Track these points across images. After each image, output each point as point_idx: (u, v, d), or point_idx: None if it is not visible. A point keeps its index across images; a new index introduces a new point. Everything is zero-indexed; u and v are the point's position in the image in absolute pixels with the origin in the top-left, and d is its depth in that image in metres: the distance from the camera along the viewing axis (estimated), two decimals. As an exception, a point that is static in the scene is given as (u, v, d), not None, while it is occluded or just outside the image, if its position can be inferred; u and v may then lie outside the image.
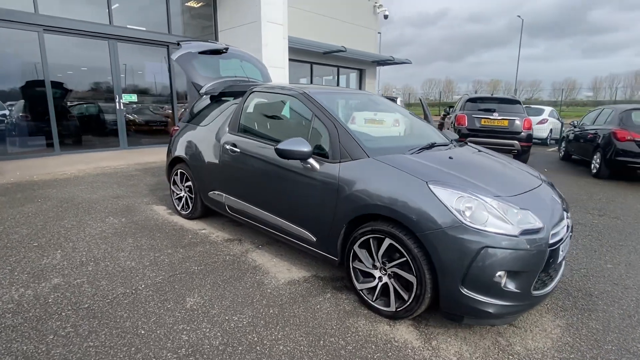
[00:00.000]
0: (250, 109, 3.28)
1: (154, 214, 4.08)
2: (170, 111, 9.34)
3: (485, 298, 1.95)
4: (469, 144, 3.14)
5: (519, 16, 36.47)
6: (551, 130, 13.23)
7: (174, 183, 4.06)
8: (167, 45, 8.89)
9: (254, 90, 3.27)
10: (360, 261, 2.37)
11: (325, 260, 2.63)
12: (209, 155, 3.46)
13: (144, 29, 8.53)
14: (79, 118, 8.02)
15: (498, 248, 1.90)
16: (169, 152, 4.12)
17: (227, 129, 3.31)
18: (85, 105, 8.16)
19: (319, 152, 2.56)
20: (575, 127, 9.05)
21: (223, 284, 2.62)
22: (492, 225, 1.94)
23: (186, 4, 9.35)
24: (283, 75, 9.16)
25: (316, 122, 2.66)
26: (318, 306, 2.39)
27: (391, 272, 2.23)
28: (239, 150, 3.11)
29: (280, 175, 2.76)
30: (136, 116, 8.84)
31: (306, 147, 2.45)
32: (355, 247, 2.35)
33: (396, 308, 2.21)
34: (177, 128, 4.11)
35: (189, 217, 3.92)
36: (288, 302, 2.42)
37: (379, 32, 15.38)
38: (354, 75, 14.96)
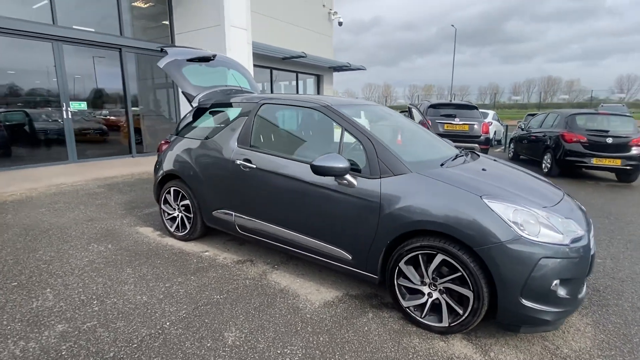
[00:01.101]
0: (262, 122, 3.10)
1: (143, 238, 3.69)
2: (124, 119, 8.59)
3: (543, 307, 2.01)
4: (480, 154, 3.25)
5: (452, 25, 39.19)
6: (495, 132, 14.37)
7: (165, 202, 3.71)
8: (120, 48, 8.18)
9: (265, 102, 3.10)
10: (406, 278, 2.34)
11: (362, 278, 2.56)
12: (214, 172, 3.21)
13: (93, 30, 7.77)
14: (18, 128, 7.05)
15: (553, 258, 1.98)
16: (158, 168, 3.77)
17: (237, 143, 3.09)
18: (25, 115, 7.18)
19: (352, 168, 2.48)
20: (522, 129, 9.90)
21: (257, 313, 2.42)
22: (545, 235, 2.01)
23: (133, 3, 8.69)
24: (249, 81, 8.87)
25: (346, 137, 2.58)
26: (366, 328, 2.31)
27: (443, 287, 2.22)
28: (254, 165, 2.92)
29: (308, 193, 2.64)
30: (86, 125, 8.00)
31: (343, 163, 2.36)
32: (401, 264, 2.31)
33: (449, 323, 2.20)
34: (168, 141, 3.77)
35: (185, 239, 3.60)
36: (334, 326, 2.31)
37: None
38: (311, 81, 14.98)
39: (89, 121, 8.11)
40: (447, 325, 2.21)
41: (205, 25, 8.47)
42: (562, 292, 2.04)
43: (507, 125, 13.24)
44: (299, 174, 2.68)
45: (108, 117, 8.52)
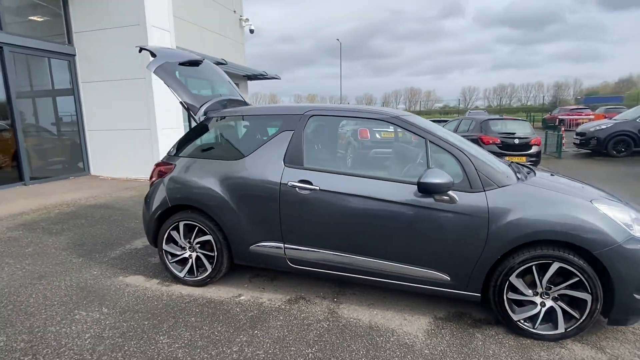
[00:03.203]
0: (315, 137, 2.70)
1: (143, 290, 2.84)
2: (9, 135, 6.63)
3: (649, 298, 2.19)
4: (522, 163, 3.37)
5: (337, 39, 41.95)
6: (401, 137, 15.81)
7: (169, 241, 2.94)
8: (1, 47, 6.32)
9: (314, 113, 2.70)
10: (515, 291, 2.29)
11: (459, 299, 2.44)
12: (253, 197, 2.67)
13: (-42, 20, 5.84)
14: None
15: (653, 252, 2.17)
16: (150, 200, 2.96)
17: (284, 163, 2.62)
18: None
19: None
20: (437, 134, 11.06)
21: (374, 361, 2.07)
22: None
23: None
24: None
25: (434, 150, 2.42)
26: (490, 351, 2.18)
27: (557, 294, 2.24)
28: (316, 187, 2.52)
29: (396, 213, 2.39)
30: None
31: (448, 179, 2.22)
32: (512, 277, 2.26)
33: (565, 329, 2.23)
34: (167, 163, 2.98)
35: (203, 284, 2.90)
36: (465, 359, 2.11)
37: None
38: (224, 89, 14.08)
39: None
40: (563, 331, 2.24)
41: (121, 24, 7.16)
42: (655, 281, 2.25)
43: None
44: (382, 193, 2.41)
45: (-17, 135, 6.48)
